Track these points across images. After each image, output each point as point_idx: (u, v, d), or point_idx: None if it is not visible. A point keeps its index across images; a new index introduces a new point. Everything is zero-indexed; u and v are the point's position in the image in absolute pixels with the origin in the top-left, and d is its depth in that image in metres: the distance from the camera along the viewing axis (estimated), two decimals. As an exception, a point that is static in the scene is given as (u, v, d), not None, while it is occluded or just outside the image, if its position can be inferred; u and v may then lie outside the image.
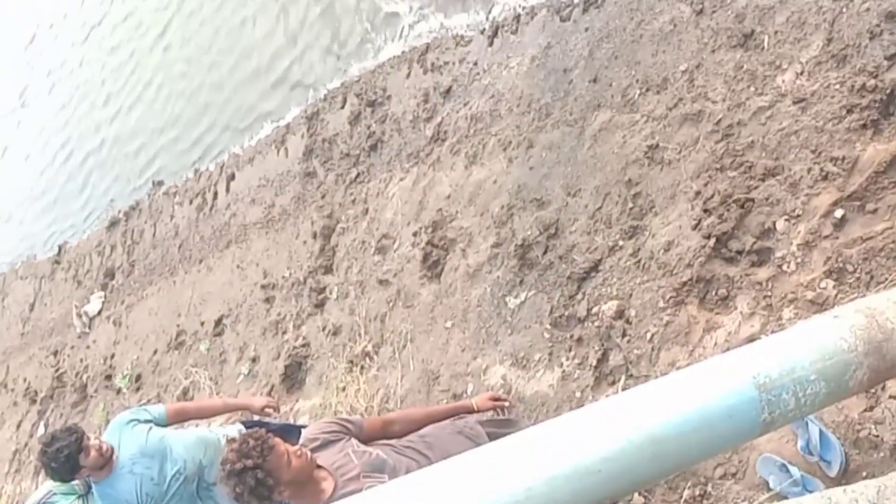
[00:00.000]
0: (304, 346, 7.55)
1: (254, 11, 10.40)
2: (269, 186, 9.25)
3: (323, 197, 8.31)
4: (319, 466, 3.51)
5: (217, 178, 10.22)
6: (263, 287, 8.49)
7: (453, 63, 7.42)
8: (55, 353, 11.75)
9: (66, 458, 4.50)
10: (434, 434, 3.91)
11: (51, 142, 13.87)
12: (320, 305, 7.68)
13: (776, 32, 4.96)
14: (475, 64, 7.19)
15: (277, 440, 3.39)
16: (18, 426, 11.63)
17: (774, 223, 4.53)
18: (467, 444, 3.80)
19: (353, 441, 3.67)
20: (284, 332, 7.91)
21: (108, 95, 12.77)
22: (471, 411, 4.19)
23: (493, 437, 3.82)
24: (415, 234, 6.97)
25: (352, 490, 3.38)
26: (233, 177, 9.95)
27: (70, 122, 13.53)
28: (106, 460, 4.65)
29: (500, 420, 4.37)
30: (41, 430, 10.67)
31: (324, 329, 7.45)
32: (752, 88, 4.94)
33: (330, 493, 3.43)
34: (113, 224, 11.89)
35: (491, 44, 7.10)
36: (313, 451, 3.54)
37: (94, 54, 13.45)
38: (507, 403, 4.33)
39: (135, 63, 12.41)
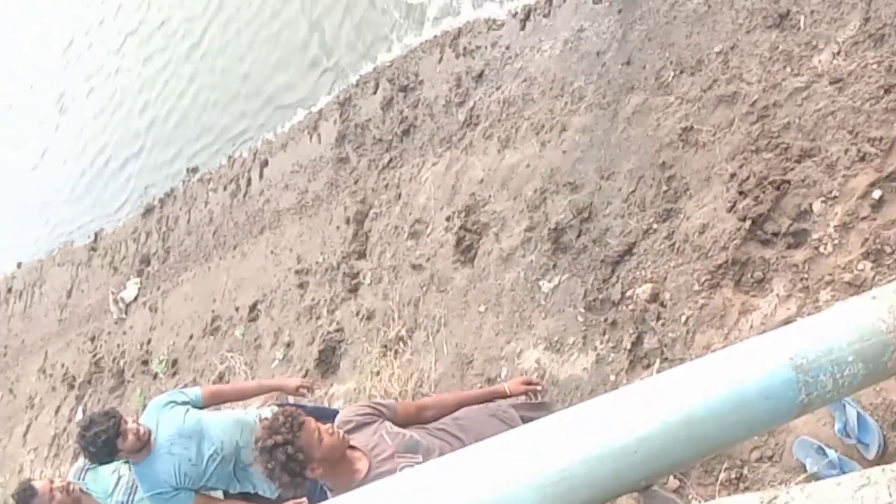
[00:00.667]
0: (338, 330, 7.59)
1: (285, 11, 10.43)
2: (302, 172, 9.28)
3: (356, 182, 8.32)
4: (353, 448, 3.54)
5: (251, 165, 10.27)
6: (297, 272, 8.53)
7: (485, 47, 7.40)
8: (92, 339, 11.87)
9: (104, 442, 4.56)
10: (467, 417, 3.93)
11: (89, 147, 13.99)
12: (354, 290, 7.71)
13: (812, 12, 4.91)
14: (507, 48, 7.17)
15: (308, 418, 3.44)
16: (57, 411, 11.78)
17: (811, 205, 4.49)
18: (501, 426, 3.83)
19: (387, 423, 3.70)
20: (318, 317, 7.95)
21: (145, 102, 12.85)
22: (503, 396, 4.21)
23: (526, 420, 3.83)
24: (448, 219, 6.97)
25: (386, 470, 3.42)
26: (266, 163, 10.00)
27: (108, 127, 13.63)
28: (143, 444, 4.71)
29: (534, 403, 4.38)
30: (79, 415, 10.79)
31: (357, 314, 7.47)
32: (788, 69, 4.89)
33: (364, 472, 3.47)
34: (148, 211, 11.99)
35: (523, 27, 7.07)
36: (347, 433, 3.57)
37: (129, 61, 13.54)
38: (539, 387, 4.33)
39: (170, 72, 12.49)
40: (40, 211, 14.81)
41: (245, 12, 11.15)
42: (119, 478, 5.18)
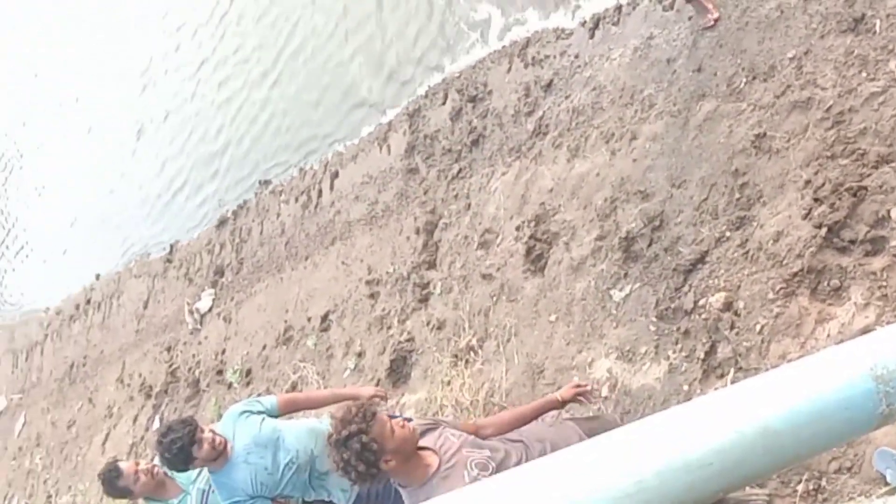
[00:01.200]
0: (408, 340, 7.62)
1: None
2: (372, 183, 9.35)
3: (425, 193, 8.36)
4: (423, 448, 3.62)
5: (321, 177, 10.37)
6: (368, 283, 8.59)
7: (554, 56, 7.39)
8: (168, 349, 12.07)
9: (180, 449, 4.63)
10: (526, 428, 4.03)
11: (165, 169, 14.26)
12: (424, 300, 7.74)
13: (888, 16, 4.82)
14: (576, 56, 7.15)
15: (383, 415, 3.49)
16: (135, 420, 11.99)
17: (889, 211, 4.41)
18: (561, 430, 3.98)
19: (449, 428, 3.80)
20: (389, 327, 7.99)
21: (219, 127, 13.07)
22: (557, 404, 4.27)
23: (587, 431, 3.88)
24: (517, 228, 6.97)
25: (455, 462, 3.54)
26: (336, 175, 10.09)
27: (184, 151, 13.89)
28: (218, 453, 4.77)
29: (590, 417, 4.45)
30: (156, 424, 10.98)
31: (428, 324, 7.50)
32: (864, 74, 4.81)
33: (435, 467, 3.56)
34: (222, 223, 12.17)
35: (592, 36, 7.05)
36: None
37: (204, 87, 13.76)
38: (589, 388, 4.38)
39: (244, 97, 12.69)
40: (117, 230, 15.12)
41: (316, 40, 11.27)
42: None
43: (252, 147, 12.12)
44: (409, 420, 3.76)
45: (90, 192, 16.25)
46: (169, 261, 13.29)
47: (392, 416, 3.61)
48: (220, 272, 11.79)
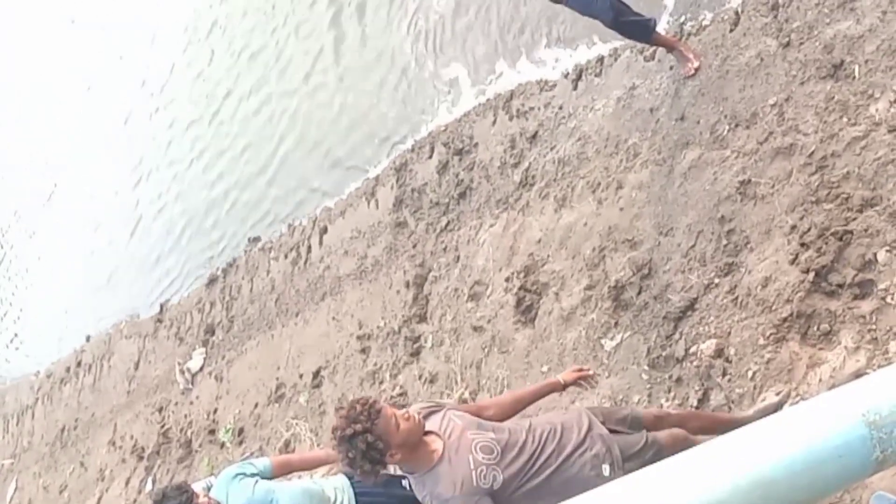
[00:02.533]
0: (401, 395, 7.59)
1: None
2: (361, 238, 9.36)
3: (414, 246, 8.38)
4: (428, 432, 3.67)
5: (310, 232, 10.38)
6: (359, 338, 8.57)
7: (538, 108, 7.45)
8: (160, 410, 11.99)
9: None
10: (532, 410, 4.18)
11: (153, 226, 14.32)
12: (416, 354, 7.72)
13: (867, 61, 4.89)
14: (560, 108, 7.21)
15: (384, 404, 3.50)
16: (127, 483, 11.87)
17: (875, 254, 4.43)
18: (570, 415, 4.03)
19: (451, 410, 3.85)
20: (381, 382, 7.96)
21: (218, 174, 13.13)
22: (558, 388, 4.34)
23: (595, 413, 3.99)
24: (507, 280, 6.98)
25: (460, 446, 3.60)
26: (325, 230, 10.10)
27: (173, 206, 13.95)
28: None
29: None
30: (149, 486, 10.87)
31: (420, 377, 7.48)
32: (845, 119, 4.87)
33: (441, 452, 3.60)
34: (212, 281, 12.15)
35: (575, 87, 7.12)
36: None
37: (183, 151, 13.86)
38: (591, 372, 4.42)
39: (222, 166, 12.80)
40: (108, 288, 15.11)
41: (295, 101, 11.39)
42: None
43: (242, 203, 12.14)
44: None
45: (78, 251, 16.25)
46: (159, 321, 13.25)
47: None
48: (210, 331, 11.74)
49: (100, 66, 16.97)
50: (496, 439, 3.67)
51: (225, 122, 12.91)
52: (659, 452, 3.92)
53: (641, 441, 3.95)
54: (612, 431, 3.94)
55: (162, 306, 13.38)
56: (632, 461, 3.78)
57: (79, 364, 15.35)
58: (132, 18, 16.28)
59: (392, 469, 4.03)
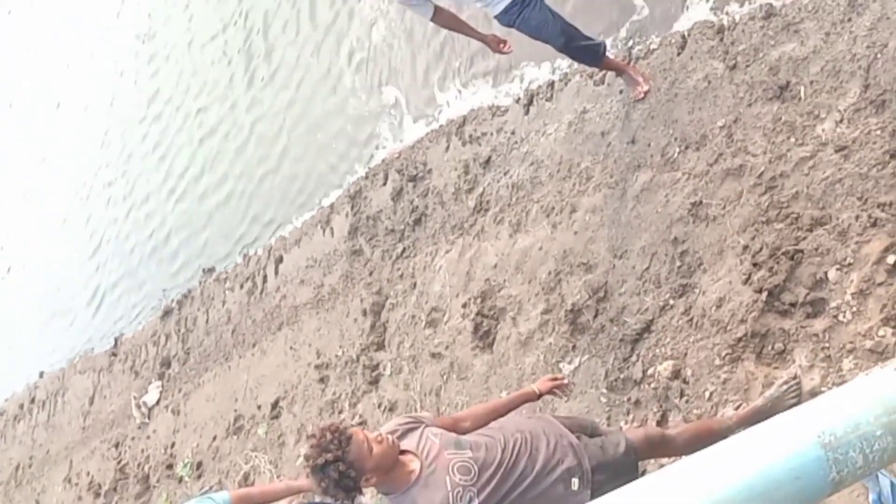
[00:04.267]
0: (361, 423, 7.55)
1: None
2: (316, 267, 9.32)
3: (371, 274, 8.36)
4: (403, 451, 3.63)
5: (266, 262, 10.32)
6: (317, 367, 8.52)
7: (491, 133, 7.48)
8: (116, 445, 11.82)
9: None
10: (505, 419, 4.11)
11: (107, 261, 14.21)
12: (375, 382, 7.69)
13: (812, 82, 4.96)
14: (513, 133, 7.24)
15: (355, 429, 3.50)
16: (83, 520, 11.71)
17: (826, 273, 4.49)
18: (539, 423, 4.00)
19: (429, 427, 3.80)
20: (341, 411, 7.91)
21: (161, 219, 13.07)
22: (533, 398, 4.34)
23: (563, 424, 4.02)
24: (464, 306, 6.97)
25: (437, 466, 3.57)
26: (281, 259, 10.05)
27: (124, 239, 13.86)
28: None
29: (565, 416, 4.64)
30: (106, 524, 10.73)
31: (380, 406, 7.45)
32: (793, 139, 4.93)
33: (418, 472, 3.57)
34: (167, 313, 12.03)
35: (527, 112, 7.15)
36: None
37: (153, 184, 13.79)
38: (565, 381, 4.43)
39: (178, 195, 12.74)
40: (61, 323, 14.94)
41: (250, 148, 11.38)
42: None
43: (196, 234, 12.06)
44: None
45: (33, 292, 16.09)
46: (114, 354, 13.09)
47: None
48: (166, 363, 11.62)
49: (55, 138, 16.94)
50: (473, 458, 3.65)
51: (177, 155, 12.83)
52: (634, 458, 3.98)
53: (614, 447, 3.98)
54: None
55: (116, 340, 13.22)
56: (600, 473, 3.81)
57: (32, 401, 15.12)
58: (87, 89, 16.22)
59: (368, 496, 4.00)
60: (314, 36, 10.45)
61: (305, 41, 10.59)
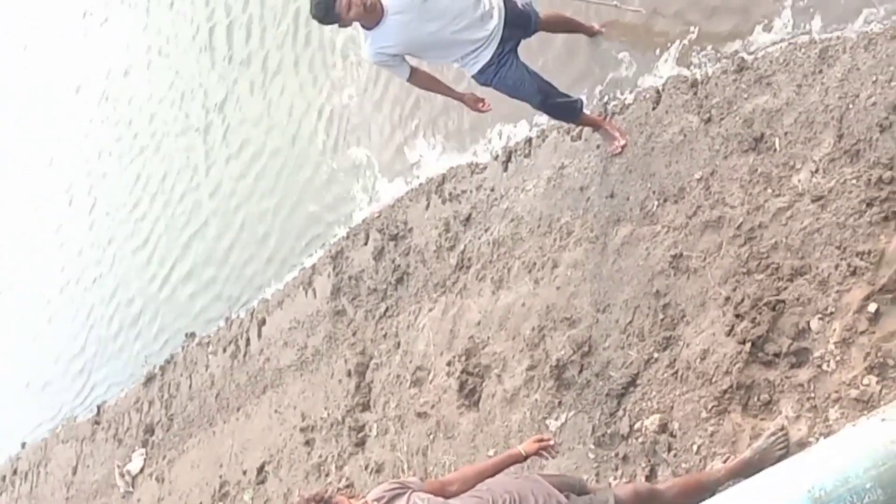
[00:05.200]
0: (348, 486, 7.47)
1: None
2: (300, 328, 9.29)
3: (354, 334, 8.33)
4: None
5: (248, 325, 10.28)
6: (303, 430, 8.45)
7: (470, 191, 7.51)
8: (100, 516, 11.69)
9: None
10: (492, 480, 4.06)
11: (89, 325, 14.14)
12: (361, 444, 7.63)
13: (786, 133, 5.01)
14: (492, 190, 7.28)
15: (340, 497, 3.49)
16: None
17: (808, 323, 4.50)
18: (527, 482, 3.99)
19: (417, 492, 3.78)
20: (327, 474, 7.84)
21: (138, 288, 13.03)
22: (520, 458, 4.28)
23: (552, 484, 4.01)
24: (449, 364, 6.95)
25: None
26: (263, 322, 10.01)
27: (106, 305, 13.80)
28: None
29: (553, 475, 4.54)
30: None
31: (367, 467, 7.38)
32: (770, 190, 4.97)
33: None
34: (149, 379, 11.94)
35: (506, 169, 7.20)
36: None
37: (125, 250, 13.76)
38: (551, 442, 4.38)
39: (161, 254, 12.73)
40: (42, 392, 14.81)
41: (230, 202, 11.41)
42: None
43: (176, 300, 12.02)
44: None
45: (14, 361, 15.97)
46: (97, 423, 12.96)
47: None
48: (150, 430, 11.51)
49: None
50: None
51: (160, 218, 12.81)
52: None
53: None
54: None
55: (99, 408, 13.11)
56: None
57: (14, 472, 14.94)
58: (59, 130, 16.31)
59: None
60: (285, 101, 10.55)
61: (277, 108, 10.69)
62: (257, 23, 11.15)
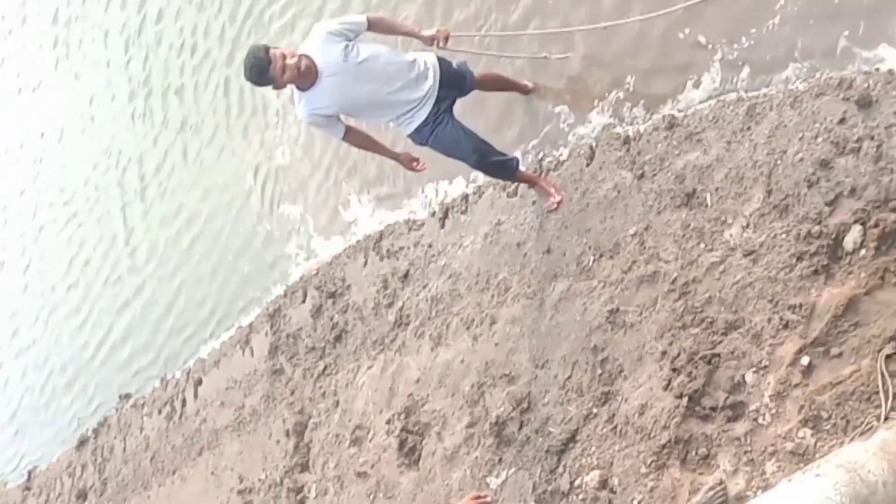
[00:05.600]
0: (287, 549, 7.36)
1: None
2: (237, 388, 9.17)
3: (292, 393, 8.24)
4: None
5: (184, 385, 10.12)
6: (240, 492, 8.31)
7: (408, 247, 7.51)
8: (31, 585, 11.34)
9: None
10: None
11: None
12: (300, 505, 7.52)
13: (717, 189, 5.09)
14: (430, 246, 7.28)
15: None
16: None
17: (743, 376, 4.54)
18: None
19: None
20: (267, 538, 7.71)
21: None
22: None
23: None
24: (388, 422, 6.89)
25: None
26: (200, 382, 9.87)
27: (37, 367, 13.51)
28: None
29: None
30: None
31: (306, 530, 7.27)
32: (702, 245, 5.04)
33: None
34: (82, 443, 11.67)
35: (443, 225, 7.21)
36: None
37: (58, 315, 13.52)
38: (488, 499, 4.29)
39: (92, 321, 12.52)
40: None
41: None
42: None
43: (110, 363, 11.81)
44: None
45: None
46: (27, 488, 12.64)
47: None
48: (82, 496, 11.24)
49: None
50: None
51: (94, 284, 12.61)
52: None
53: None
54: None
55: (30, 473, 12.77)
56: None
57: (-59, 541, 14.42)
58: None
59: None
60: (221, 164, 10.53)
61: (213, 171, 10.66)
62: (192, 87, 11.14)
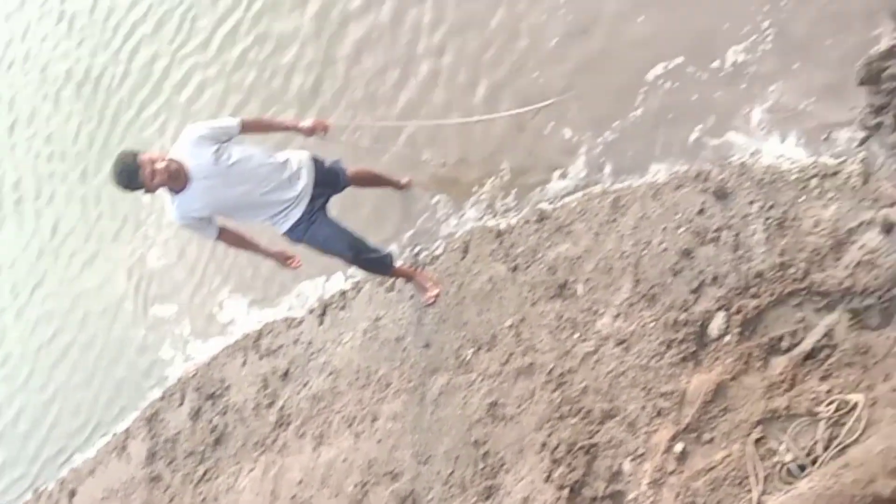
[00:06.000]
0: None
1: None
2: (114, 497, 8.82)
3: (171, 500, 7.96)
4: None
5: (58, 497, 9.68)
6: None
7: (288, 345, 7.43)
8: None
9: None
10: None
11: None
12: None
13: (588, 280, 5.21)
14: (309, 343, 7.22)
15: None
16: None
17: (621, 465, 4.60)
18: None
19: None
20: None
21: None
22: None
23: None
24: (272, 527, 6.73)
25: None
26: (74, 493, 9.45)
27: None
28: None
29: None
30: None
31: None
32: (576, 335, 5.13)
33: None
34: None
35: (321, 322, 7.17)
36: None
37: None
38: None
39: None
40: None
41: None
42: None
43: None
44: None
45: None
46: None
47: None
48: None
49: None
50: None
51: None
52: None
53: None
54: None
55: None
56: None
57: None
58: None
59: None
60: (94, 270, 10.33)
61: (85, 277, 10.44)
62: (63, 194, 10.95)
